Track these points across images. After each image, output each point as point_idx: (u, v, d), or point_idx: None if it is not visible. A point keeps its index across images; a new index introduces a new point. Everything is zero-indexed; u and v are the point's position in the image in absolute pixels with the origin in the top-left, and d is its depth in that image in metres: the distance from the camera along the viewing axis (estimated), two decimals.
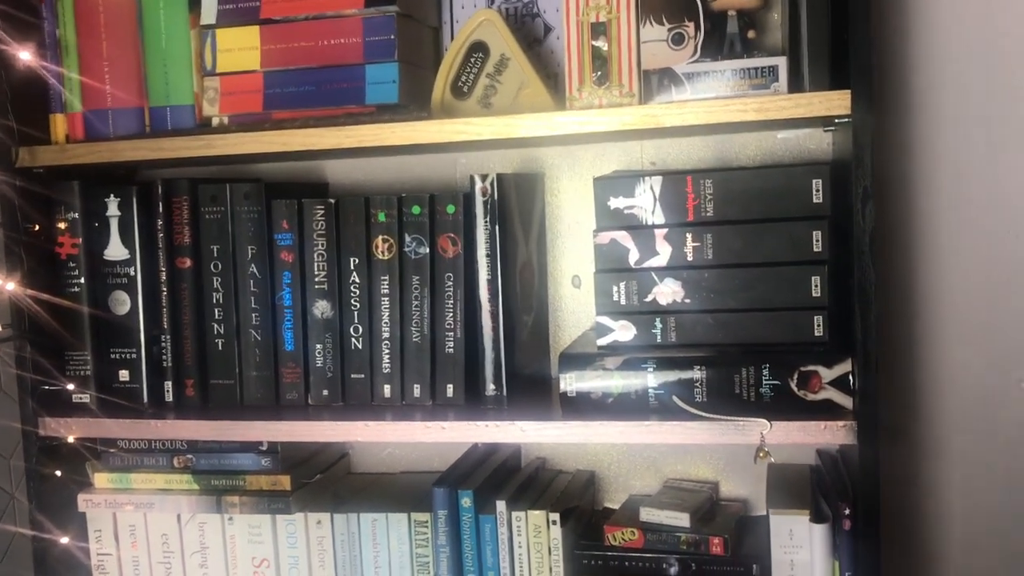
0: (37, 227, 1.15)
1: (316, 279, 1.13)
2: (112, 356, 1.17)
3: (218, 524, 1.18)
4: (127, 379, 1.17)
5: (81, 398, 1.17)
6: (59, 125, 1.17)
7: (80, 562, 1.21)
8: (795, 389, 0.98)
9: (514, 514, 1.10)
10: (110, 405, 1.16)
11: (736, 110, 0.95)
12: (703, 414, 0.98)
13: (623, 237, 1.04)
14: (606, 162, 1.22)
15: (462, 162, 1.27)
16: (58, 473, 1.18)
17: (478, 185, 1.08)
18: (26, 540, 1.25)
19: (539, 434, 1.03)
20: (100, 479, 1.20)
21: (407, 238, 1.11)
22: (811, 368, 0.98)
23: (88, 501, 1.20)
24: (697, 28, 0.98)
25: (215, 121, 1.13)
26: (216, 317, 1.16)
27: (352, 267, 1.13)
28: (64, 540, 1.18)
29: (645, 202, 1.04)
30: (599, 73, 1.01)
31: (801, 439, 0.96)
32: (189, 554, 1.19)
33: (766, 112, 0.94)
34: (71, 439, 1.16)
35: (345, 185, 1.30)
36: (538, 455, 1.27)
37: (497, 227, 1.08)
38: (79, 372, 1.17)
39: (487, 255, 1.08)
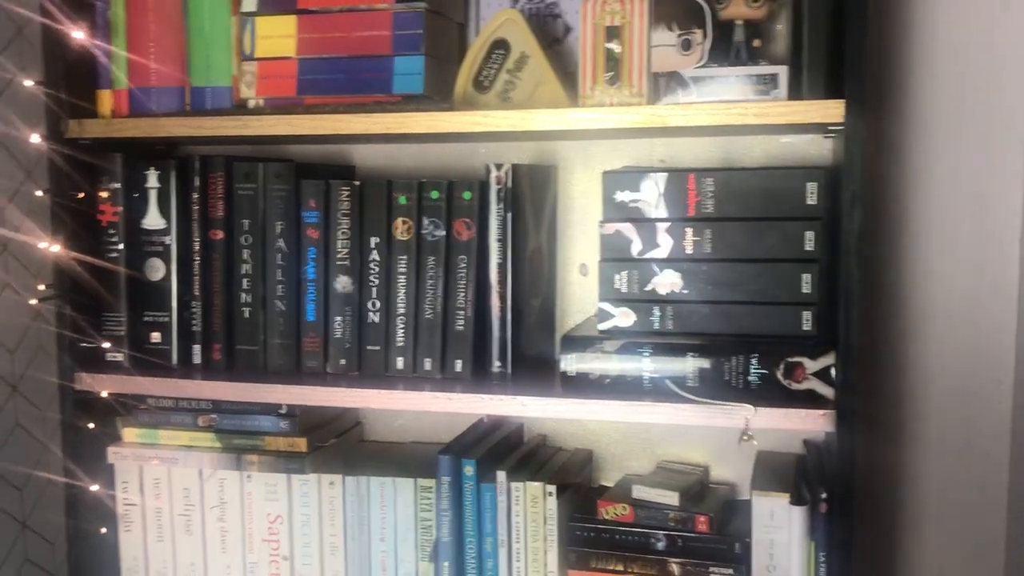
0: (82, 195, 1.23)
1: (339, 256, 1.21)
2: (145, 319, 1.25)
3: (237, 481, 1.26)
4: (158, 341, 1.25)
5: (115, 357, 1.25)
6: (106, 100, 1.24)
7: (108, 510, 1.29)
8: (781, 378, 1.05)
9: (513, 484, 1.17)
10: (141, 364, 1.24)
11: (737, 114, 1.01)
12: (693, 397, 1.05)
13: (627, 229, 1.11)
14: (617, 158, 1.28)
15: (482, 152, 1.33)
16: (90, 426, 1.26)
17: (493, 174, 1.15)
18: (58, 487, 1.34)
19: (539, 408, 1.09)
20: (129, 434, 1.29)
21: (425, 221, 1.18)
22: (797, 359, 1.04)
23: (117, 454, 1.28)
24: (705, 35, 1.04)
25: (251, 103, 1.20)
26: (244, 287, 1.23)
27: (373, 246, 1.20)
28: (94, 488, 1.26)
29: (650, 196, 1.10)
30: (611, 73, 1.07)
31: (783, 425, 1.02)
32: (209, 508, 1.27)
33: (765, 117, 1.00)
34: (104, 394, 1.24)
35: (370, 169, 1.37)
36: (540, 432, 1.34)
37: (509, 214, 1.15)
38: (114, 332, 1.25)
39: (498, 240, 1.15)
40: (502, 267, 1.16)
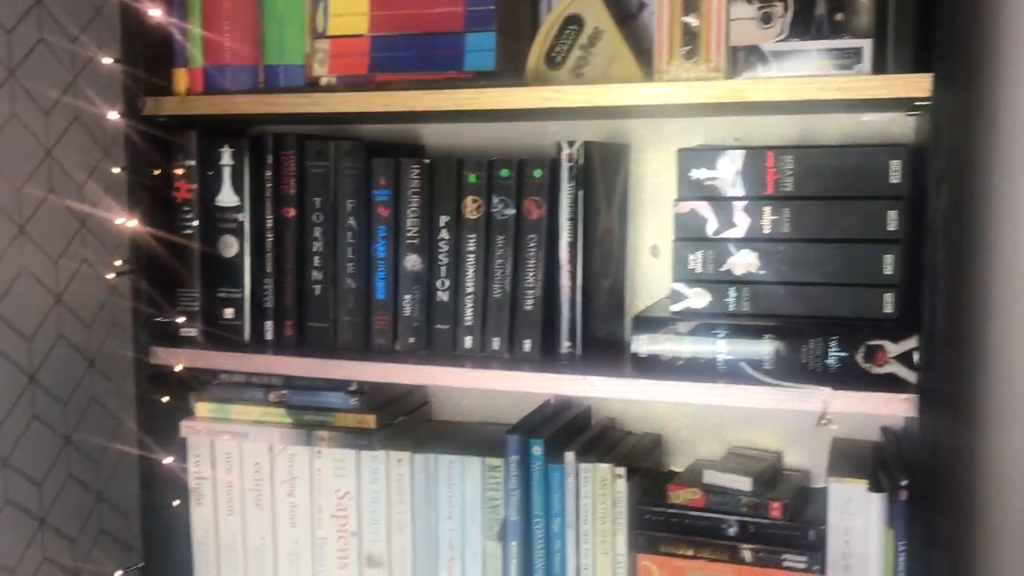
0: (157, 172, 1.25)
1: (408, 234, 1.20)
2: (219, 295, 1.26)
3: (307, 456, 1.27)
4: (231, 317, 1.26)
5: (188, 332, 1.27)
6: (181, 78, 1.25)
7: (180, 483, 1.31)
8: (860, 362, 1.02)
9: (582, 465, 1.15)
10: (215, 339, 1.26)
11: (818, 88, 0.98)
12: (769, 380, 1.02)
13: (703, 207, 1.08)
14: (691, 137, 1.26)
15: (552, 131, 1.32)
16: (164, 400, 1.28)
17: (565, 151, 1.13)
18: (132, 460, 1.36)
19: (609, 389, 1.08)
20: (201, 408, 1.30)
21: (495, 199, 1.17)
22: (877, 342, 1.01)
23: (190, 428, 1.30)
24: (786, 8, 1.02)
25: (323, 81, 1.20)
26: (315, 264, 1.24)
27: (442, 224, 1.19)
28: (167, 462, 1.28)
29: (726, 174, 1.08)
30: (688, 48, 1.05)
31: (863, 409, 0.99)
32: (279, 483, 1.29)
33: (847, 91, 0.97)
34: (178, 368, 1.26)
35: (439, 149, 1.37)
36: (608, 415, 1.33)
37: (581, 192, 1.13)
38: (188, 308, 1.27)
39: (569, 219, 1.14)
40: (573, 246, 1.14)
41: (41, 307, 1.28)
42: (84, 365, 1.36)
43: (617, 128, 1.29)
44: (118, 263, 1.27)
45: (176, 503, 1.31)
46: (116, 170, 1.27)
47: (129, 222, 1.23)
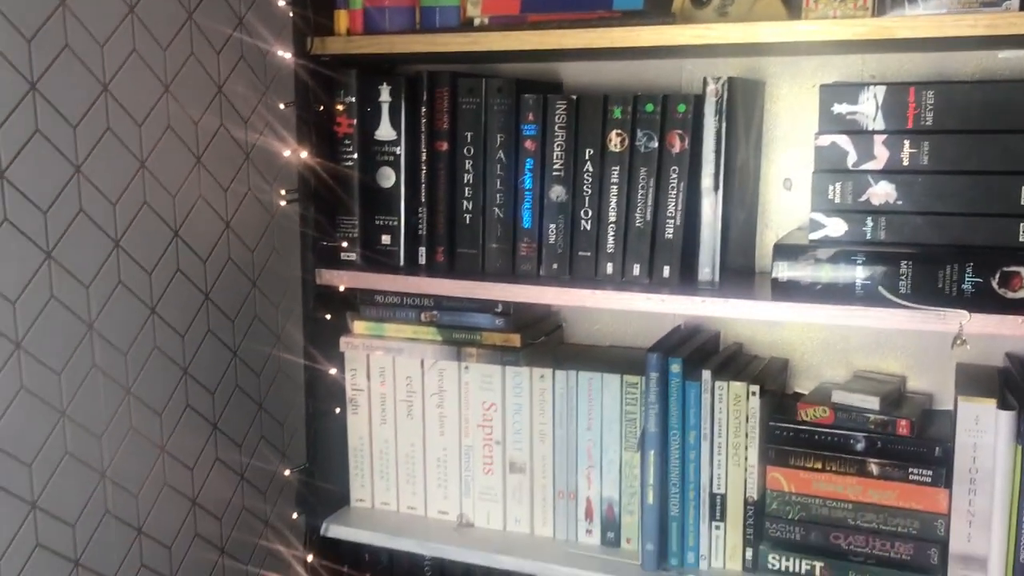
0: (321, 107, 1.35)
1: (554, 166, 1.28)
2: (376, 222, 1.37)
3: (455, 371, 1.38)
4: (388, 243, 1.37)
5: (348, 256, 1.38)
6: (342, 19, 1.34)
7: (340, 393, 1.43)
8: (996, 287, 1.07)
9: (717, 383, 1.24)
10: (372, 263, 1.36)
11: (967, 25, 1.02)
12: (907, 304, 1.09)
13: (843, 140, 1.14)
14: (827, 73, 1.31)
15: (687, 69, 1.38)
16: (327, 317, 1.39)
17: (710, 86, 1.20)
18: (286, 374, 1.49)
19: (750, 311, 1.15)
20: (359, 326, 1.42)
21: (639, 133, 1.24)
22: (1013, 268, 1.06)
23: (348, 343, 1.41)
24: None
25: (477, 21, 1.28)
26: (466, 195, 1.33)
27: (587, 157, 1.27)
28: (332, 372, 1.40)
29: (868, 109, 1.13)
30: None
31: (999, 331, 1.05)
32: (429, 395, 1.40)
33: (996, 28, 1.01)
34: (341, 288, 1.37)
35: (577, 86, 1.44)
36: (736, 341, 1.40)
37: (724, 126, 1.20)
38: (348, 234, 1.37)
39: (713, 151, 1.21)
40: (715, 178, 1.21)
41: (214, 232, 1.40)
42: (248, 285, 1.48)
43: (752, 65, 1.34)
44: (284, 192, 1.38)
45: (338, 411, 1.43)
46: (281, 105, 1.37)
47: (297, 154, 1.33)
